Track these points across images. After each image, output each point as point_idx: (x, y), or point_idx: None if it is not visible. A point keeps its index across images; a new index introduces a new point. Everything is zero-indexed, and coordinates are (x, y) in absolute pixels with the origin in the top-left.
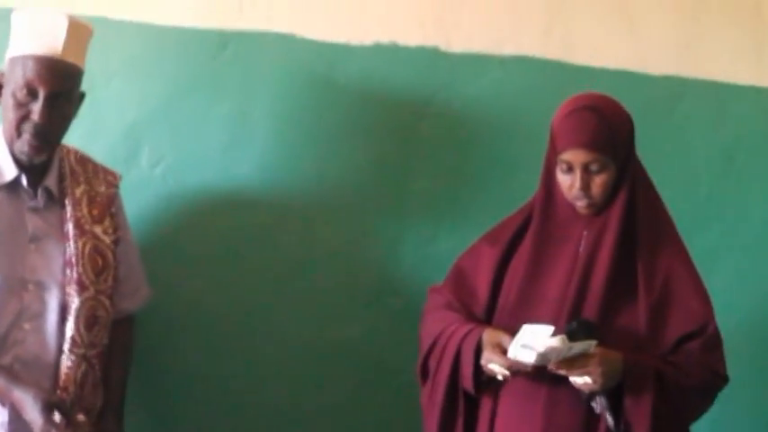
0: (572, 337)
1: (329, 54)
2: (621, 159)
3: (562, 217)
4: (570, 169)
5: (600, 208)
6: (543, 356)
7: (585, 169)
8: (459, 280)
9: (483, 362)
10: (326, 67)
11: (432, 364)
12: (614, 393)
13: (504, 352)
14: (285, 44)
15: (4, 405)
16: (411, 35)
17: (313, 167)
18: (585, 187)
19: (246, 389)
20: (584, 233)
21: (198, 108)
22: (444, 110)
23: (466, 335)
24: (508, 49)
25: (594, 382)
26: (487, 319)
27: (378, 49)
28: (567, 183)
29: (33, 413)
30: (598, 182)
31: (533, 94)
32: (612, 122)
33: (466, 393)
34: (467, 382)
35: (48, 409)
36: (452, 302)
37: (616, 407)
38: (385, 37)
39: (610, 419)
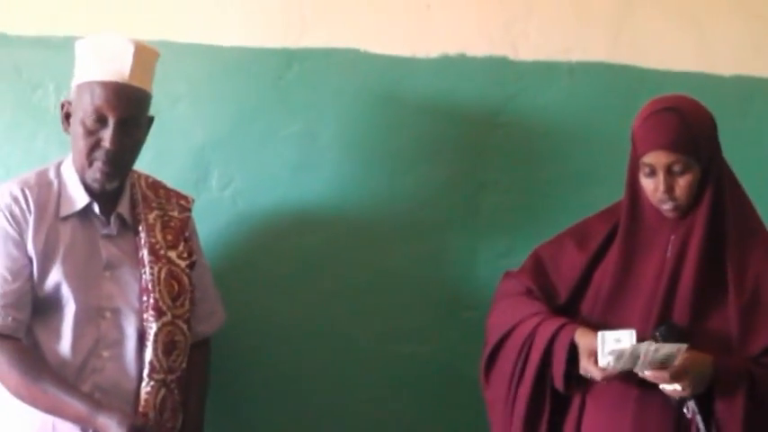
0: (661, 341)
1: (396, 68)
2: (705, 159)
3: (648, 222)
4: (653, 172)
5: (686, 210)
6: (631, 361)
7: (668, 171)
8: (540, 269)
9: (582, 371)
10: (393, 81)
11: (508, 353)
12: (705, 397)
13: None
14: (350, 60)
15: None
16: (478, 45)
17: (385, 184)
18: (669, 190)
19: (324, 407)
20: (672, 237)
21: (265, 128)
22: (515, 120)
23: (557, 332)
24: (576, 55)
25: (684, 389)
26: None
27: (445, 61)
28: (651, 186)
29: None
30: (682, 183)
31: (604, 99)
32: (693, 122)
33: (552, 389)
34: (558, 381)
35: None
36: (532, 289)
37: (707, 411)
38: (452, 48)
39: (701, 425)
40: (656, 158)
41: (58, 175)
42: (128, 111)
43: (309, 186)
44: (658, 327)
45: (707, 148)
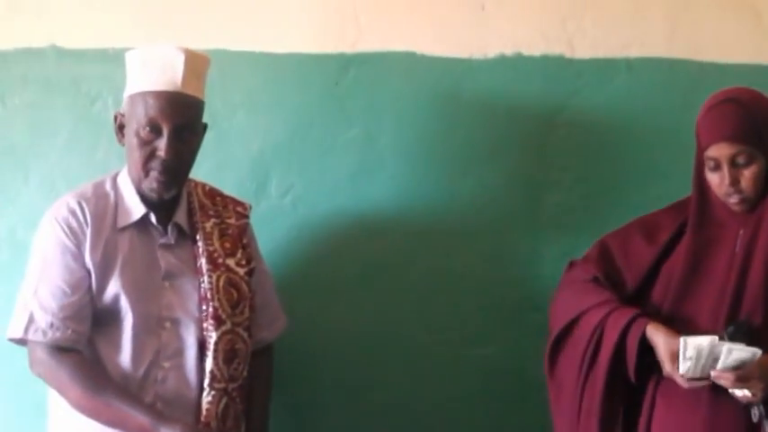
0: (731, 340)
1: (452, 70)
2: None
3: (717, 217)
4: (717, 166)
5: (754, 203)
6: (709, 365)
7: (732, 163)
8: (607, 258)
9: (665, 374)
10: (451, 83)
11: (576, 341)
12: None
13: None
14: (407, 63)
15: None
16: (534, 45)
17: (445, 187)
18: (735, 182)
19: (391, 413)
20: (740, 232)
21: (324, 134)
22: (574, 118)
23: (629, 324)
24: (634, 51)
25: (753, 394)
26: None
27: (502, 62)
28: (717, 180)
29: None
30: (747, 175)
31: (663, 95)
32: (755, 112)
33: (625, 381)
34: (631, 374)
35: None
36: (598, 277)
37: None
38: (508, 48)
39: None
40: (719, 151)
41: (115, 186)
42: (182, 119)
43: (369, 191)
44: (728, 325)
45: None
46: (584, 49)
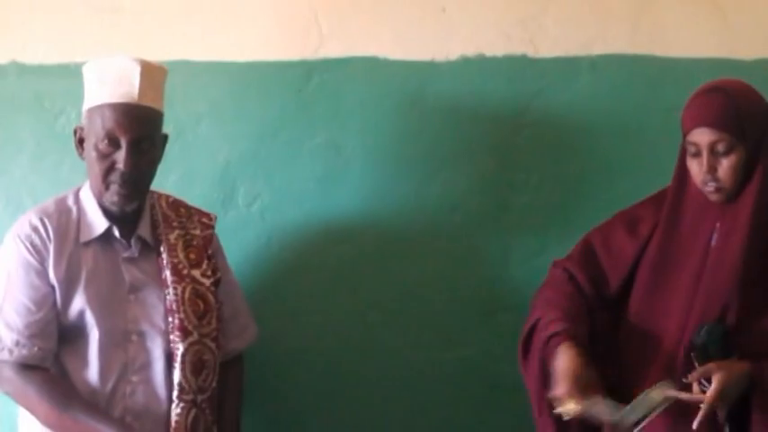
0: (703, 348)
1: (416, 73)
2: (753, 141)
3: (693, 209)
4: (698, 153)
5: (731, 195)
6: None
7: (712, 150)
8: (589, 257)
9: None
10: (414, 86)
11: (533, 352)
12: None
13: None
14: (370, 68)
15: None
16: (497, 45)
17: (413, 190)
18: (712, 170)
19: (363, 418)
20: (717, 225)
21: (289, 142)
22: (540, 118)
23: (547, 341)
24: (597, 48)
25: (708, 401)
26: (616, 306)
27: (465, 63)
28: (696, 168)
29: None
30: (725, 164)
31: (628, 91)
32: (739, 102)
33: None
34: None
35: None
36: (574, 277)
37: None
38: (470, 50)
39: None
40: (700, 137)
41: (77, 201)
42: (140, 131)
43: (337, 197)
44: (699, 328)
45: (755, 131)
46: (546, 49)
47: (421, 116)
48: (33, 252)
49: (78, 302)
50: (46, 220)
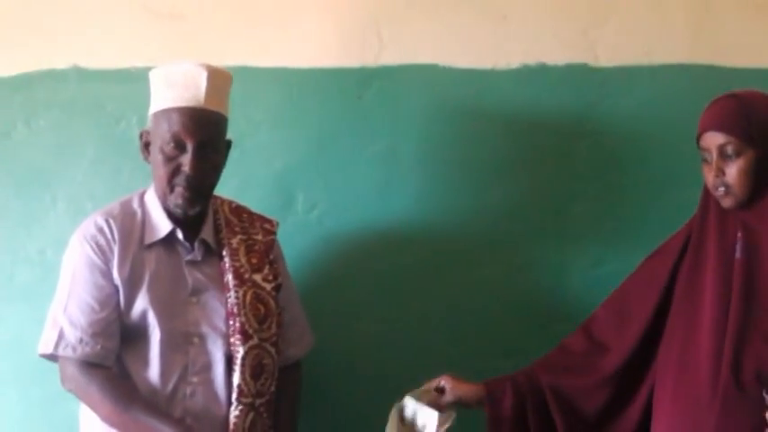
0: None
1: (475, 81)
2: (765, 146)
3: (715, 220)
4: (709, 159)
5: (742, 201)
6: None
7: (721, 154)
8: (616, 307)
9: None
10: (474, 94)
11: None
12: None
13: None
14: (430, 75)
15: None
16: (557, 54)
17: (470, 198)
18: (720, 173)
19: None
20: (738, 235)
21: (348, 148)
22: (599, 127)
23: None
24: (657, 58)
25: None
26: (643, 343)
27: (525, 72)
28: (707, 173)
29: None
30: (734, 168)
31: (687, 101)
32: (751, 107)
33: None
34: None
35: None
36: (564, 346)
37: None
38: (531, 58)
39: None
40: (709, 140)
41: (142, 204)
42: (205, 135)
43: (394, 204)
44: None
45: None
46: (607, 58)
47: (480, 124)
48: (98, 252)
49: (141, 303)
50: (111, 222)
